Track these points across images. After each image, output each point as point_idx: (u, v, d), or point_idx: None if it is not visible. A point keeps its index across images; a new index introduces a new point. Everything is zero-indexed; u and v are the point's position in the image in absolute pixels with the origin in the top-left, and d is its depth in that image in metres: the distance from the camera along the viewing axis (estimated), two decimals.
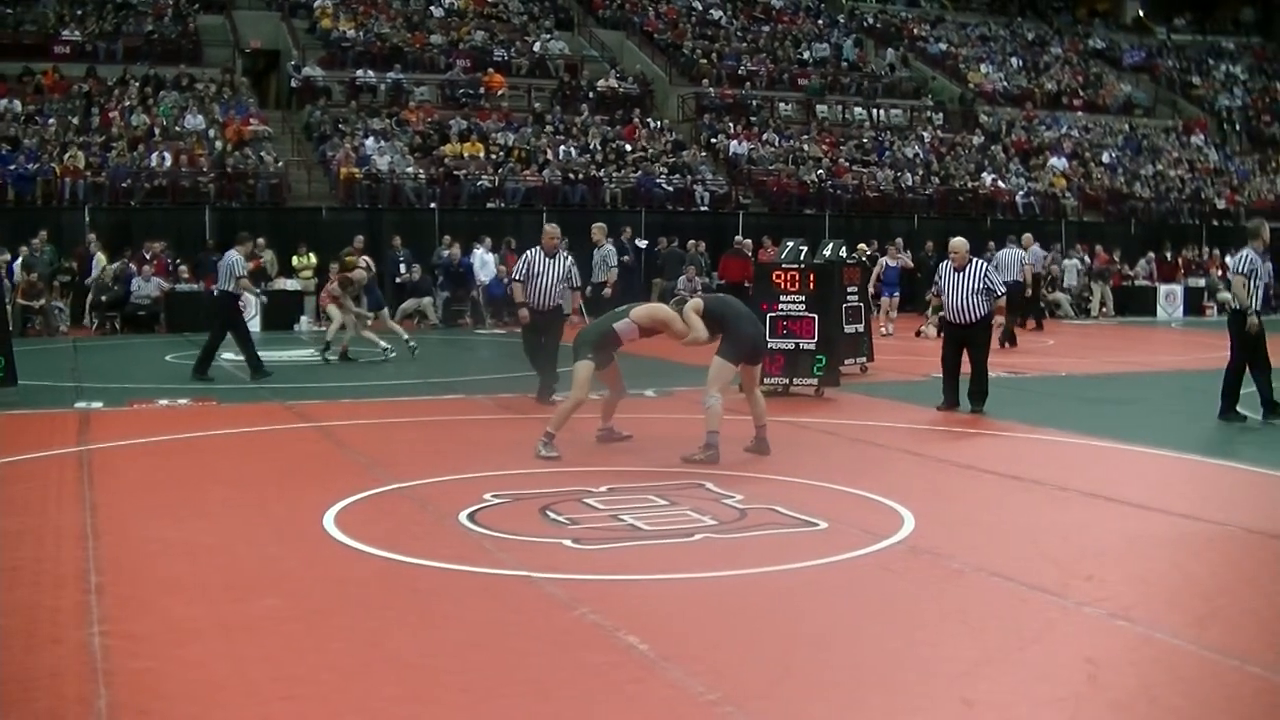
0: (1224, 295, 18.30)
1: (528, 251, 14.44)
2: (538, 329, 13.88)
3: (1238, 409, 12.75)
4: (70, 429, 11.88)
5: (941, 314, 13.58)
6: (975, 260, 13.58)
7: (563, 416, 10.47)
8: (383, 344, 18.60)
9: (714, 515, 8.12)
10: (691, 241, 28.52)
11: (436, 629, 5.83)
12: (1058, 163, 38.00)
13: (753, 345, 10.43)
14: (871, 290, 21.81)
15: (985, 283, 13.24)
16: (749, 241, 28.33)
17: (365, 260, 20.22)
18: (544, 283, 13.97)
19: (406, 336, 19.05)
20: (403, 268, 26.23)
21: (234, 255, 16.41)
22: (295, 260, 26.71)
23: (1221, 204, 38.63)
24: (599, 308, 19.64)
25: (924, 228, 32.34)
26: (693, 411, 11.54)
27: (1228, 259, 14.76)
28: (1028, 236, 25.89)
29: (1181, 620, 6.01)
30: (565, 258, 14.27)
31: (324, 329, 24.99)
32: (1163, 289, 32.49)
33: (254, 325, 24.40)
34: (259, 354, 16.38)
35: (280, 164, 29.32)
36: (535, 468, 9.87)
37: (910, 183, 34.67)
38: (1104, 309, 31.14)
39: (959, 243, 13.64)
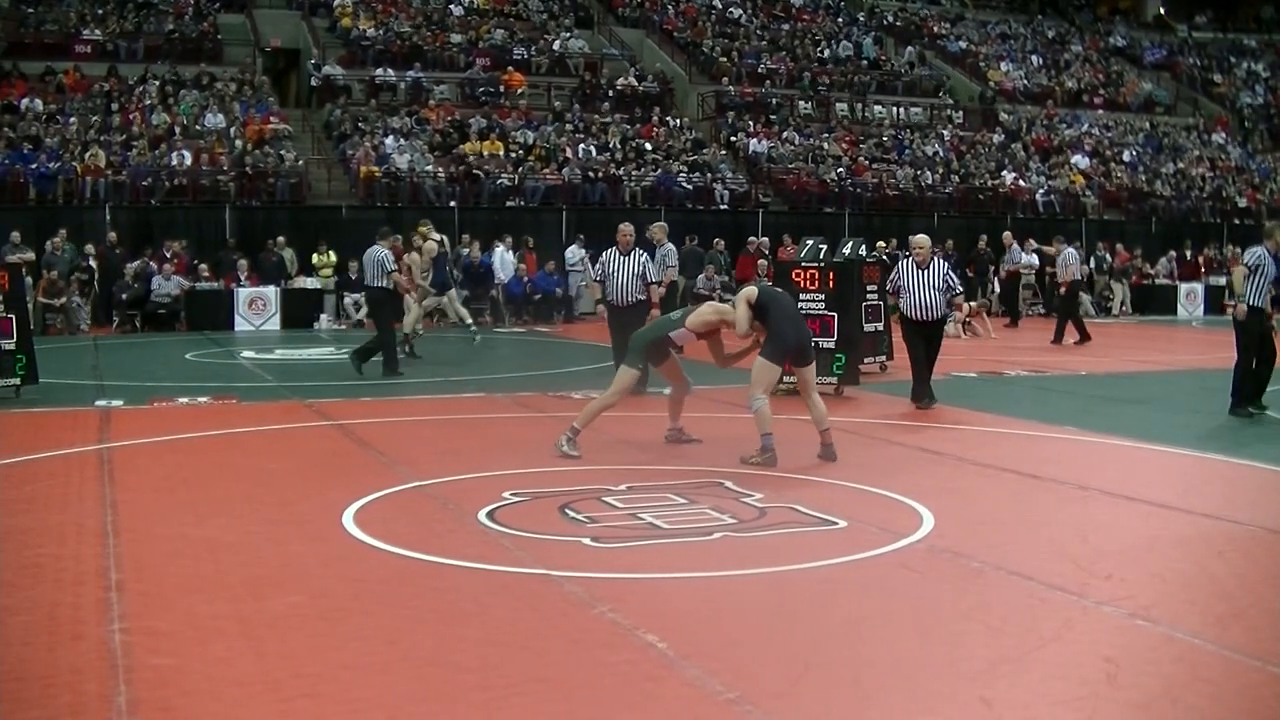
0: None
1: (604, 252, 14.86)
2: (622, 327, 13.80)
3: (1250, 407, 13.01)
4: (91, 427, 11.94)
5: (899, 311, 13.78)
6: (936, 257, 13.86)
7: (591, 415, 10.45)
8: (469, 321, 18.62)
9: (733, 514, 8.12)
10: (700, 241, 28.59)
11: (456, 627, 5.84)
12: (1079, 160, 37.88)
13: (797, 345, 10.17)
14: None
15: (946, 280, 13.55)
16: (765, 240, 28.43)
17: (440, 236, 20.18)
18: (621, 280, 14.26)
19: (470, 323, 18.92)
20: None
21: (381, 251, 16.55)
22: (315, 258, 26.77)
23: (1243, 202, 38.41)
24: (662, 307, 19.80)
25: (944, 226, 32.24)
26: (714, 410, 11.57)
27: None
28: (1007, 235, 26.68)
29: (1202, 620, 5.99)
30: (640, 254, 14.51)
31: (344, 327, 25.14)
32: (1183, 288, 32.37)
33: (273, 323, 24.59)
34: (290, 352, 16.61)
35: (300, 163, 29.38)
36: (554, 466, 9.87)
37: (930, 181, 34.58)
38: (1124, 308, 31.07)
39: (921, 239, 13.95)
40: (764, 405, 9.98)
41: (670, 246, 20.74)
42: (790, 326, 10.23)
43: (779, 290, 11.12)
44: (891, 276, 14.19)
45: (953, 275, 13.82)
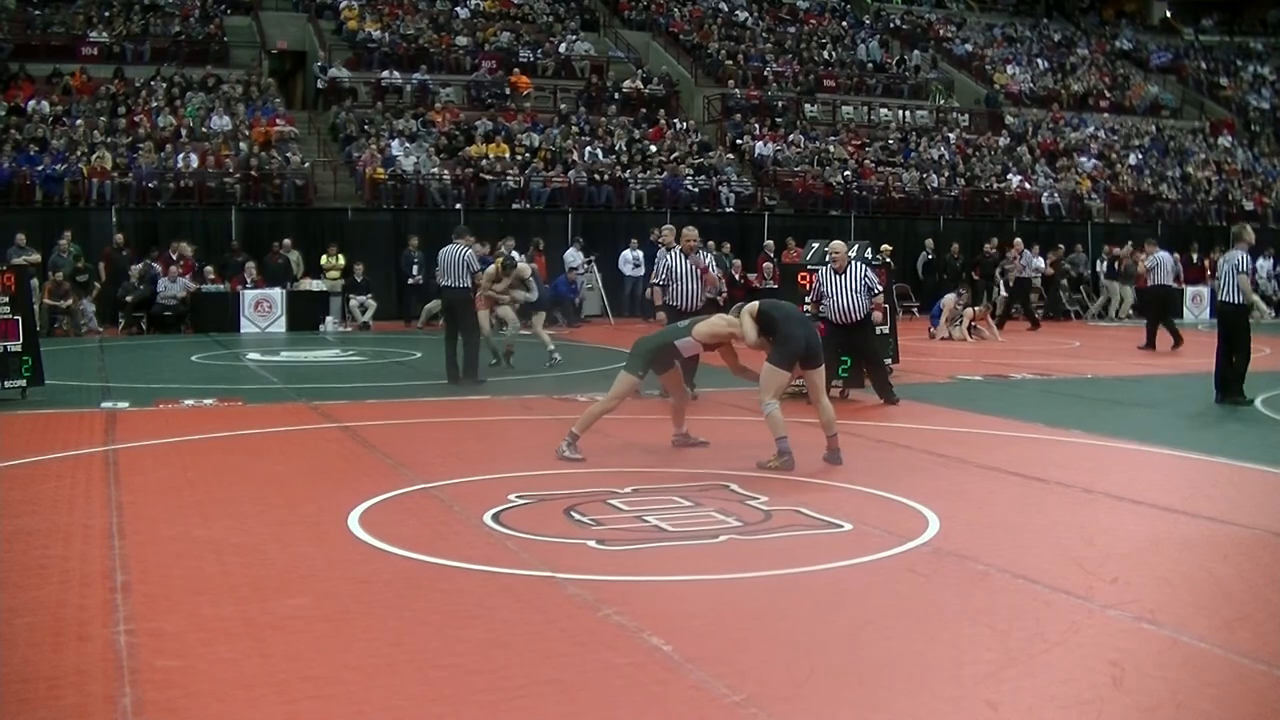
0: (1253, 297, 18.63)
1: (665, 255, 14.32)
2: None
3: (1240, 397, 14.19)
4: (97, 428, 11.95)
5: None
6: (854, 261, 14.04)
7: (589, 419, 10.44)
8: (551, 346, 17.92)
9: (738, 517, 8.12)
10: (713, 243, 28.51)
11: (461, 629, 5.84)
12: (1085, 161, 37.83)
13: (806, 348, 10.14)
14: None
15: (865, 282, 13.79)
16: (770, 243, 28.50)
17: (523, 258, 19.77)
18: (688, 285, 13.91)
19: (552, 347, 18.10)
20: (415, 269, 26.25)
21: (466, 251, 15.99)
22: (324, 260, 26.77)
23: (1249, 206, 38.36)
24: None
25: (949, 229, 32.27)
26: (718, 413, 11.56)
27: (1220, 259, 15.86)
28: (1018, 242, 27.41)
29: (1209, 624, 5.98)
30: (706, 256, 14.25)
31: (350, 330, 25.15)
32: (1189, 291, 32.31)
33: (279, 325, 24.62)
34: (289, 356, 16.44)
35: (306, 165, 29.42)
36: (560, 469, 9.87)
37: (936, 184, 34.57)
38: (1127, 311, 31.05)
39: (838, 245, 14.15)
40: (775, 409, 9.95)
41: (679, 249, 20.61)
42: (800, 329, 10.21)
43: (775, 299, 11.12)
44: (813, 285, 14.26)
45: (872, 276, 13.98)
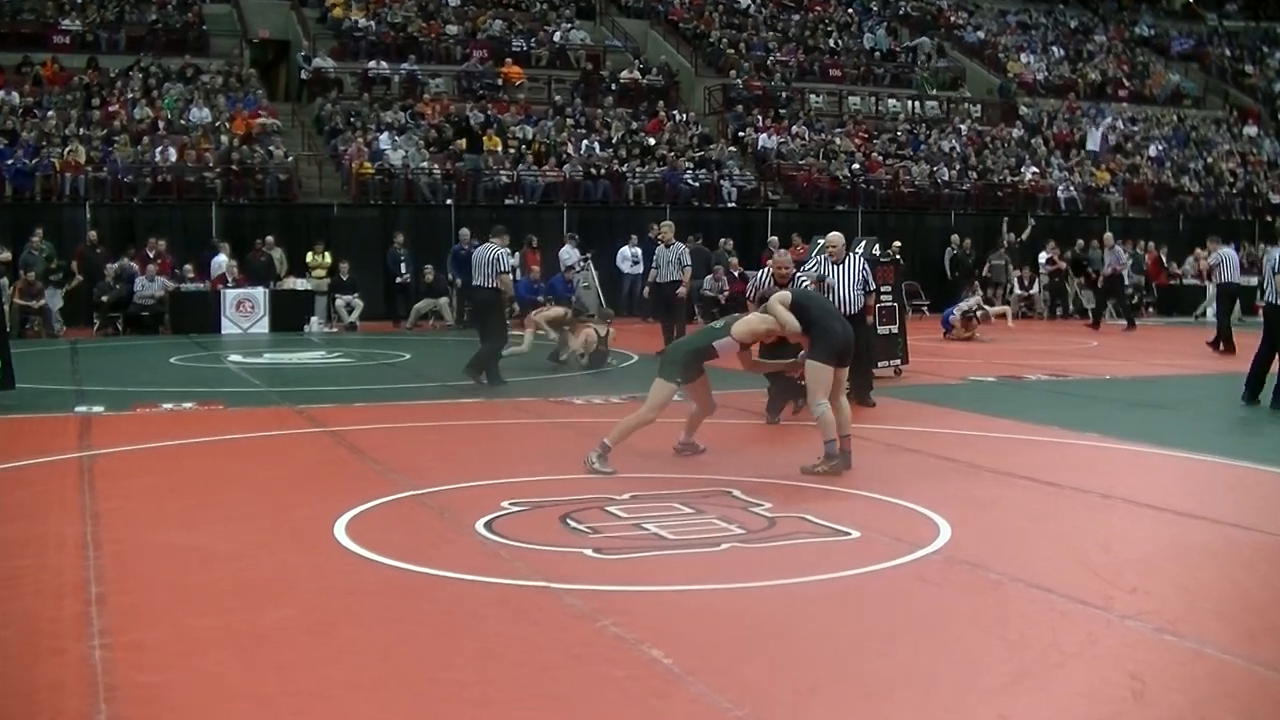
0: None
1: (799, 273, 13.57)
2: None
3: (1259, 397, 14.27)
4: (71, 434, 11.95)
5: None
6: (857, 255, 14.08)
7: (625, 431, 10.15)
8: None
9: (741, 524, 8.12)
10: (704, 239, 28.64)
11: (452, 641, 5.86)
12: (1093, 143, 37.78)
13: (844, 344, 10.14)
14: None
15: (862, 275, 13.75)
16: (774, 240, 28.49)
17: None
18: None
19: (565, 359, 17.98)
20: (403, 267, 26.25)
21: (499, 250, 16.07)
22: (310, 258, 26.78)
23: (1276, 199, 38.36)
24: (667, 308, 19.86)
25: (961, 224, 32.30)
26: (722, 416, 11.54)
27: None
28: (1108, 236, 27.15)
29: (1232, 634, 5.99)
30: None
31: (336, 330, 25.15)
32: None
33: (261, 326, 24.63)
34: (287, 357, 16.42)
35: (290, 159, 29.43)
36: (555, 474, 9.86)
37: (946, 177, 34.60)
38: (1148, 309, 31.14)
39: (835, 237, 14.06)
40: (827, 410, 9.92)
41: (683, 246, 20.63)
42: (838, 324, 10.24)
43: (810, 290, 11.02)
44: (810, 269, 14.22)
45: (869, 271, 13.96)
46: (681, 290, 19.66)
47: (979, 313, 23.52)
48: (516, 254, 26.82)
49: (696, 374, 10.44)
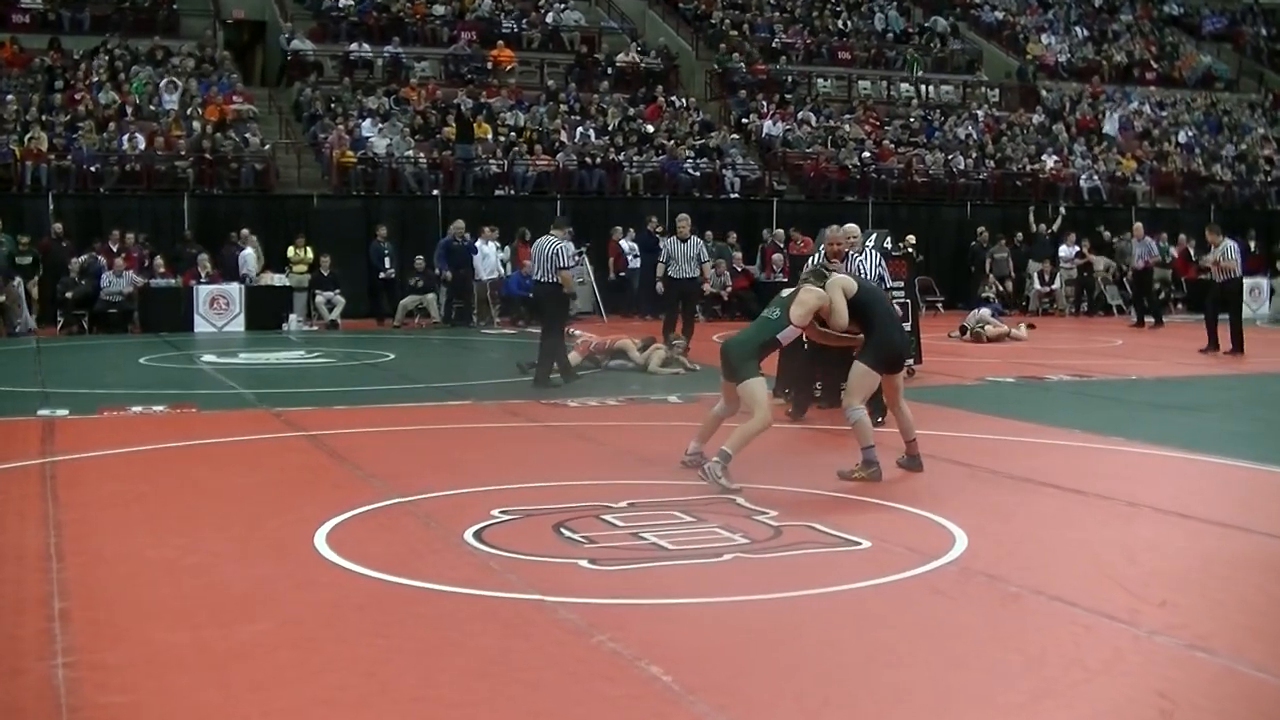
0: None
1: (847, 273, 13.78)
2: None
3: None
4: (33, 439, 11.94)
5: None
6: (870, 250, 13.99)
7: (746, 438, 9.87)
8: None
9: (745, 533, 8.13)
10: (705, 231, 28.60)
11: (439, 658, 5.86)
12: (1111, 128, 37.77)
13: (899, 355, 10.21)
14: None
15: (878, 272, 13.74)
16: (780, 232, 28.54)
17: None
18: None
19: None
20: (387, 262, 26.24)
21: (559, 242, 16.11)
22: (291, 252, 26.77)
23: None
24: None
25: (977, 215, 32.31)
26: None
27: None
28: (1139, 226, 27.16)
29: (1266, 651, 5.99)
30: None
31: (316, 329, 25.15)
32: (1247, 283, 32.22)
33: (237, 324, 24.62)
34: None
35: (267, 147, 29.42)
36: (548, 481, 9.84)
37: (962, 166, 34.60)
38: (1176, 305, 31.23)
39: (851, 229, 14.03)
40: (863, 416, 9.93)
41: (700, 242, 20.55)
42: (898, 334, 10.27)
43: (874, 286, 10.96)
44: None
45: (885, 266, 14.04)
46: (706, 286, 19.55)
47: (985, 328, 23.38)
48: (507, 248, 26.90)
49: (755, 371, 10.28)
